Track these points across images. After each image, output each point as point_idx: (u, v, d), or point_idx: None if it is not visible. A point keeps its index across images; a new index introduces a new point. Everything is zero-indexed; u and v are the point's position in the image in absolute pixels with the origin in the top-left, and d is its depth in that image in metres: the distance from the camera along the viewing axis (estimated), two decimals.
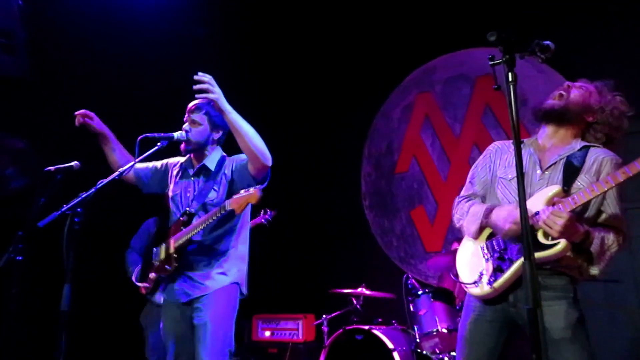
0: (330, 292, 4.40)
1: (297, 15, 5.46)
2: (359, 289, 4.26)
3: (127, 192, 2.98)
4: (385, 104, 5.66)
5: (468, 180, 2.39)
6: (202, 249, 2.59)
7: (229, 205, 2.38)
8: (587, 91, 2.16)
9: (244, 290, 2.67)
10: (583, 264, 2.02)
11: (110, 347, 4.51)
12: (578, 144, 2.13)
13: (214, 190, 2.61)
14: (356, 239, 5.55)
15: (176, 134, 2.64)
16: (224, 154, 2.78)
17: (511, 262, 2.04)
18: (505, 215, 2.05)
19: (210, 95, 2.34)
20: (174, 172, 2.83)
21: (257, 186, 2.46)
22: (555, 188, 2.02)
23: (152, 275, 2.65)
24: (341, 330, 4.05)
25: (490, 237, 2.16)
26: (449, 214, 2.45)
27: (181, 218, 2.59)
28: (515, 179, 2.07)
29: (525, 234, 1.47)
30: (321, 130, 5.89)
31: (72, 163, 2.58)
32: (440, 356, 3.64)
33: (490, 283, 2.06)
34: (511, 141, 2.21)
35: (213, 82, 2.37)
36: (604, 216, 2.04)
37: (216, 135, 2.72)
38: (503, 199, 2.18)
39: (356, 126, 5.76)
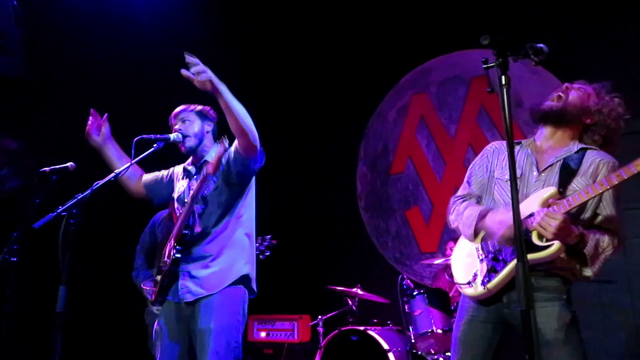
0: (326, 288, 4.39)
1: (293, 16, 5.46)
2: (354, 290, 4.27)
3: (123, 193, 2.97)
4: (380, 104, 5.68)
5: (465, 179, 2.40)
6: (204, 242, 2.53)
7: (206, 171, 2.41)
8: (586, 93, 2.16)
9: (254, 285, 2.60)
10: (576, 266, 2.02)
11: (106, 348, 4.51)
12: (575, 146, 2.14)
13: (213, 182, 2.58)
14: (352, 240, 5.56)
15: (172, 136, 2.63)
16: None
17: (505, 263, 2.05)
18: (499, 220, 2.05)
19: (205, 76, 2.30)
20: (179, 177, 2.83)
21: (253, 167, 2.51)
22: (551, 190, 2.02)
23: (158, 277, 2.58)
24: (337, 330, 4.06)
25: (485, 238, 2.17)
26: (444, 214, 2.46)
27: (181, 212, 2.59)
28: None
29: (519, 236, 1.49)
30: (317, 131, 5.90)
31: (68, 164, 2.57)
32: (435, 357, 3.66)
33: (484, 284, 2.07)
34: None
35: (200, 63, 2.34)
36: (599, 219, 2.05)
37: (209, 127, 2.73)
38: (500, 200, 2.18)
39: (352, 127, 5.77)
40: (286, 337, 4.86)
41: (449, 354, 3.67)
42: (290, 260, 5.71)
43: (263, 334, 4.99)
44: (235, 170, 2.54)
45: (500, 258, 2.07)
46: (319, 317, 4.43)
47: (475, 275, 2.11)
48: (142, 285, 3.29)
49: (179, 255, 2.48)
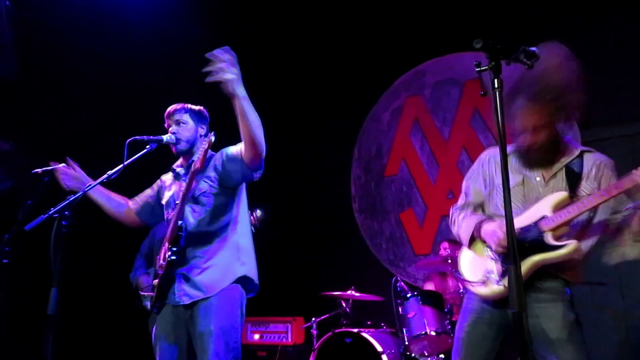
0: (320, 294, 4.40)
1: (287, 19, 5.46)
2: (349, 292, 4.27)
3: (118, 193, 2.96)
4: (375, 107, 5.69)
5: (463, 190, 2.45)
6: (199, 244, 2.52)
7: (194, 166, 2.40)
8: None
9: (255, 280, 2.59)
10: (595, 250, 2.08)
11: (99, 351, 4.48)
12: (575, 149, 2.18)
13: (204, 181, 2.57)
14: (346, 242, 5.56)
15: (165, 137, 2.63)
16: (211, 151, 2.77)
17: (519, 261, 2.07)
18: (490, 233, 2.14)
19: (225, 76, 2.25)
20: (167, 183, 2.81)
21: (254, 177, 2.50)
22: (562, 194, 2.08)
23: (155, 281, 2.57)
24: (330, 333, 4.06)
25: None
26: (438, 216, 2.50)
27: (172, 213, 2.57)
28: (516, 187, 2.17)
29: (510, 241, 1.49)
30: (311, 133, 5.90)
31: (60, 165, 2.56)
32: (429, 359, 3.67)
33: (499, 282, 2.10)
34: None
35: (234, 61, 2.29)
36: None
37: (202, 131, 2.72)
38: (501, 209, 2.20)
39: (346, 129, 5.77)
40: (280, 339, 4.85)
41: (442, 355, 3.68)
42: (284, 262, 5.70)
43: (256, 336, 4.97)
44: (235, 176, 2.54)
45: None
46: (313, 319, 4.43)
47: (488, 275, 2.13)
48: (140, 292, 3.29)
49: (174, 257, 2.46)
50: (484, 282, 2.14)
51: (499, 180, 2.26)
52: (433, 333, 3.65)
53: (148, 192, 2.88)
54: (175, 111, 2.69)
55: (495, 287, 2.10)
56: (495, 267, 2.14)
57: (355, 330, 3.96)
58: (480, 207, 2.36)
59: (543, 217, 2.06)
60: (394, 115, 5.57)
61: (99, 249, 4.37)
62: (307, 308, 4.83)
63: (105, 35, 4.54)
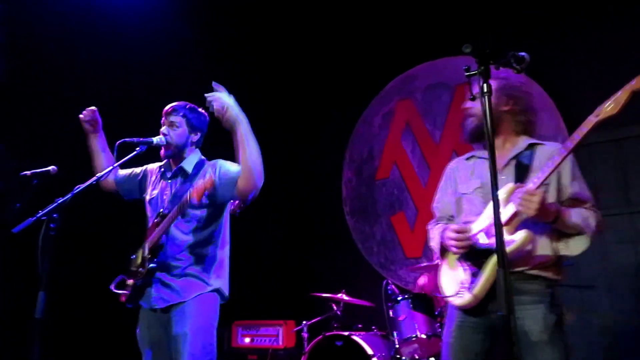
0: (311, 295, 4.39)
1: (279, 21, 5.47)
2: (339, 295, 4.27)
3: (107, 197, 2.94)
4: (366, 110, 5.70)
5: (434, 205, 2.49)
6: (179, 253, 2.53)
7: (189, 195, 2.33)
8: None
9: (226, 292, 2.61)
10: (559, 249, 2.07)
11: (87, 355, 4.44)
12: (524, 142, 2.21)
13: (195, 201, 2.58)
14: (337, 245, 5.55)
15: (155, 139, 2.61)
16: (203, 157, 2.76)
17: (484, 263, 2.08)
18: (446, 237, 2.19)
19: (226, 101, 2.35)
20: (152, 178, 2.81)
21: (246, 204, 2.52)
22: (509, 186, 2.08)
23: (130, 281, 2.59)
24: (321, 336, 4.05)
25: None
26: (429, 219, 2.52)
27: (155, 220, 2.56)
28: (475, 191, 2.21)
29: (499, 243, 1.50)
30: (303, 136, 5.90)
31: (49, 168, 2.54)
32: None
33: (470, 289, 2.10)
34: (464, 157, 2.38)
35: (227, 93, 2.39)
36: (567, 202, 2.11)
37: (194, 138, 2.70)
38: (469, 214, 2.24)
39: (338, 132, 5.78)
40: (270, 342, 4.83)
41: (433, 359, 3.68)
42: (275, 265, 5.70)
43: (247, 340, 4.96)
44: (225, 195, 2.51)
45: (480, 261, 2.10)
46: (304, 322, 4.43)
47: (461, 285, 2.14)
48: (113, 289, 3.23)
49: (154, 265, 2.48)
50: (458, 294, 2.14)
51: (461, 187, 2.30)
52: (424, 336, 3.66)
53: (135, 172, 2.88)
54: (172, 111, 2.67)
55: (466, 297, 2.10)
56: (465, 276, 2.14)
57: (346, 333, 3.96)
58: (453, 218, 2.39)
59: None
60: (385, 119, 5.59)
61: (88, 251, 4.33)
62: (298, 311, 4.82)
63: (96, 35, 4.51)
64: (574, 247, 2.06)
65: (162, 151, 2.65)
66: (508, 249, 1.96)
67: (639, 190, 4.08)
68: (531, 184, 2.00)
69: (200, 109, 2.75)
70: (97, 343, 4.38)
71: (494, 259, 2.01)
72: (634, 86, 1.88)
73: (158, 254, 2.50)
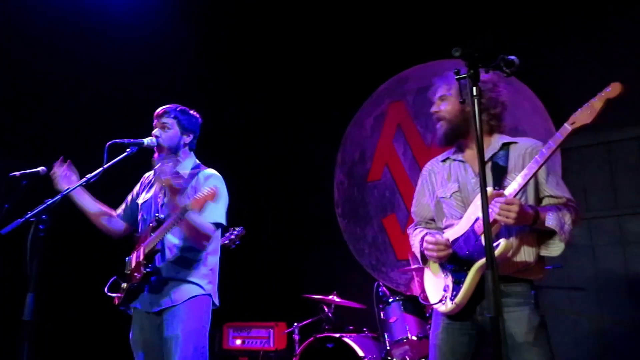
0: (302, 296, 4.39)
1: (271, 24, 5.47)
2: (331, 297, 4.27)
3: (97, 197, 2.92)
4: (358, 112, 5.71)
5: (412, 209, 2.49)
6: (173, 258, 2.55)
7: (190, 205, 2.32)
8: (452, 96, 2.23)
9: (216, 301, 2.63)
10: (538, 252, 2.07)
11: (79, 357, 4.40)
12: (497, 142, 2.19)
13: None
14: (328, 247, 5.55)
15: (146, 140, 2.61)
16: (198, 161, 2.76)
17: (466, 272, 2.08)
18: (425, 247, 2.17)
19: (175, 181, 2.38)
20: (146, 182, 2.80)
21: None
22: (488, 190, 2.03)
23: (124, 285, 2.59)
24: (312, 338, 4.05)
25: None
26: None
27: (150, 224, 2.56)
28: (454, 194, 2.20)
29: (488, 245, 1.51)
30: (294, 138, 5.90)
31: (39, 169, 2.53)
32: None
33: (452, 299, 2.10)
34: (438, 159, 2.38)
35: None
36: (545, 201, 2.11)
37: (187, 139, 2.70)
38: (449, 218, 2.24)
39: (329, 134, 5.78)
40: (262, 344, 4.82)
41: None
42: (266, 267, 5.69)
43: (238, 342, 4.95)
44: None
45: (461, 269, 2.10)
46: (295, 324, 4.42)
47: (444, 292, 2.15)
48: (107, 292, 3.22)
49: (149, 270, 2.48)
50: (441, 301, 2.14)
51: (440, 191, 2.28)
52: (414, 338, 3.67)
53: (129, 199, 2.87)
54: (164, 113, 2.66)
55: (449, 305, 2.10)
56: (448, 283, 2.14)
57: (337, 335, 3.97)
58: (432, 221, 2.39)
59: (476, 220, 2.04)
60: (377, 121, 5.60)
61: (79, 252, 4.30)
62: (290, 313, 4.82)
63: (87, 36, 4.48)
64: (553, 249, 2.07)
65: (156, 154, 2.65)
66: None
67: (627, 192, 4.12)
68: (510, 190, 1.99)
69: (191, 111, 2.75)
70: (89, 345, 4.35)
71: (474, 269, 2.03)
72: (609, 94, 1.86)
73: (153, 259, 2.51)
